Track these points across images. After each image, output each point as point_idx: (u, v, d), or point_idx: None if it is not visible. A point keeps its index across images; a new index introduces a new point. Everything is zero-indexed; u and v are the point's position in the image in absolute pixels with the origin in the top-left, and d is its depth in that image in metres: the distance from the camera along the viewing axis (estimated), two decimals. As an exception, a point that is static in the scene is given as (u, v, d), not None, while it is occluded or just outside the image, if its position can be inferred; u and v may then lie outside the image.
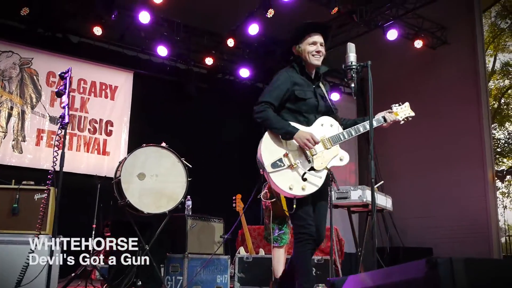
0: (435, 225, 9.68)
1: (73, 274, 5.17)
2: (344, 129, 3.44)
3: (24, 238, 4.35)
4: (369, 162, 2.97)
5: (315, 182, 3.16)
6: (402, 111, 3.68)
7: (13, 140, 7.90)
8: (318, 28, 3.37)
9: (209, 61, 9.50)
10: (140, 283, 5.26)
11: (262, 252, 6.30)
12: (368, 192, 4.81)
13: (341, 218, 7.00)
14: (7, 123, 7.90)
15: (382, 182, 5.80)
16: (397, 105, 3.71)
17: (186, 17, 8.86)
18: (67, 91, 3.42)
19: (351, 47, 3.28)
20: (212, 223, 6.10)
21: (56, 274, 4.79)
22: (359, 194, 4.84)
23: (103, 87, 8.92)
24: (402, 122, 3.67)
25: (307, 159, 3.16)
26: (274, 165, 3.10)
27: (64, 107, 3.37)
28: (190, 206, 5.97)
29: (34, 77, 8.23)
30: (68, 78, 3.52)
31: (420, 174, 9.92)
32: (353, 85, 3.22)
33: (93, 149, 8.60)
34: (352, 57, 3.25)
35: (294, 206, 3.15)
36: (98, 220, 5.38)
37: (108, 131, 8.80)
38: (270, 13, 8.00)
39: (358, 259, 5.22)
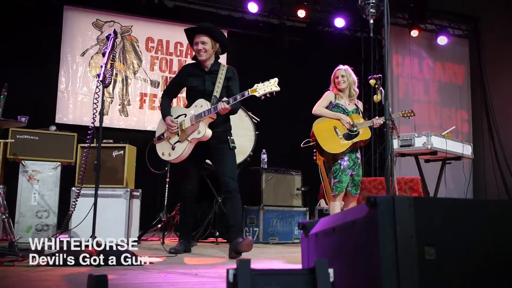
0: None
1: (159, 226, 5.74)
2: None
3: (104, 191, 4.96)
4: (384, 104, 2.91)
5: (178, 149, 4.19)
6: (263, 87, 3.91)
7: (119, 105, 8.72)
8: (197, 31, 4.25)
9: (301, 13, 9.43)
10: (217, 233, 5.67)
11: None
12: (434, 138, 4.63)
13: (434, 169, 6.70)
14: (113, 89, 8.72)
15: (454, 127, 5.49)
16: (261, 83, 3.93)
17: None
18: (107, 51, 3.78)
19: None
20: (289, 176, 6.28)
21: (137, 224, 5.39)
22: (423, 141, 4.67)
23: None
24: (263, 97, 3.95)
25: (177, 134, 4.23)
26: (158, 137, 4.44)
27: (101, 66, 3.73)
28: (266, 160, 6.19)
29: (135, 43, 8.93)
30: (111, 39, 3.88)
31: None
32: (371, 21, 3.13)
33: (189, 110, 9.16)
34: (370, -10, 3.14)
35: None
36: (171, 173, 5.80)
37: (205, 91, 9.28)
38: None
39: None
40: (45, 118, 7.38)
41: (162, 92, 4.65)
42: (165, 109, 4.39)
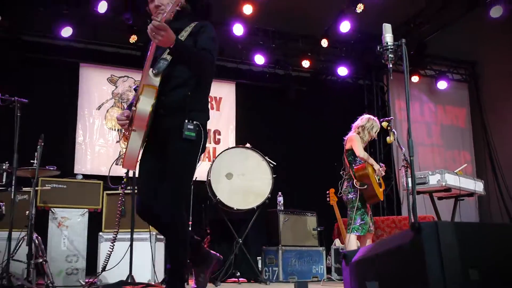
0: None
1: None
2: None
3: (127, 235, 4.98)
4: (408, 140, 3.04)
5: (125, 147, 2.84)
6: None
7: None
8: None
9: (305, 63, 9.64)
10: (238, 273, 5.68)
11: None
12: (448, 176, 4.72)
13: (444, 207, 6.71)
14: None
15: (465, 165, 5.58)
16: None
17: (279, 23, 9.10)
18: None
19: (387, 27, 3.30)
20: (305, 217, 6.35)
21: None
22: (437, 179, 4.77)
23: (209, 99, 9.58)
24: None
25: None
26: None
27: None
28: (282, 202, 6.27)
29: (147, 96, 9.13)
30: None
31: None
32: (390, 65, 3.28)
33: (204, 157, 9.29)
34: (388, 37, 3.28)
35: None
36: (198, 218, 5.89)
37: (216, 139, 9.45)
38: (360, 8, 7.95)
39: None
40: (64, 169, 7.47)
41: None
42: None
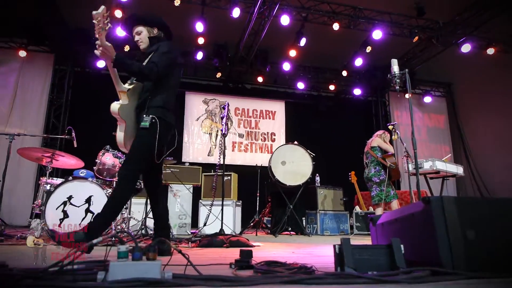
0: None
1: (251, 224, 5.71)
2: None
3: (219, 202, 4.97)
4: (412, 138, 2.81)
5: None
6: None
7: (220, 149, 8.89)
8: (129, 24, 2.62)
9: (331, 87, 9.43)
10: (290, 229, 5.57)
11: (371, 209, 6.10)
12: (437, 162, 4.38)
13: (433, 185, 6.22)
14: (215, 139, 8.98)
15: (450, 155, 5.19)
16: None
17: (313, 61, 8.94)
18: (225, 115, 3.91)
19: (394, 62, 3.13)
20: (335, 191, 6.13)
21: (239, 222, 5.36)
22: (430, 164, 4.44)
23: (267, 112, 9.51)
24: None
25: None
26: None
27: (222, 124, 3.85)
28: (319, 180, 6.08)
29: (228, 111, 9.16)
30: (226, 108, 4.02)
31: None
32: (397, 87, 3.07)
33: (264, 150, 9.22)
34: (395, 68, 3.10)
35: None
36: (262, 192, 5.81)
37: (272, 139, 9.35)
38: (368, 49, 7.68)
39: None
40: (177, 159, 7.59)
41: None
42: None
